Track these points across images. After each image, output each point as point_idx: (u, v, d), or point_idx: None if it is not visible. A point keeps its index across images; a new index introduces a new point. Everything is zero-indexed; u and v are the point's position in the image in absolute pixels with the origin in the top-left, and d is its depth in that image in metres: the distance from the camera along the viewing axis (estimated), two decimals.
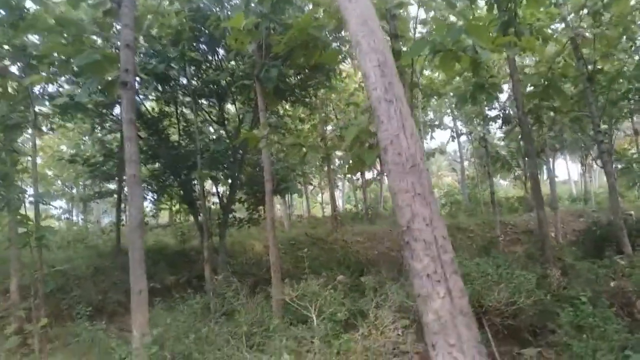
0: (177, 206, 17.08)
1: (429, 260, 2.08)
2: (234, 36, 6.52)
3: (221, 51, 12.46)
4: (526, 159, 29.36)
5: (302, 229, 20.26)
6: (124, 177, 14.01)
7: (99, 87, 4.26)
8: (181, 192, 13.14)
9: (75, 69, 5.30)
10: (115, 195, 15.18)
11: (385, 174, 2.33)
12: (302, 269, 14.61)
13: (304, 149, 7.40)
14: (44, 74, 6.50)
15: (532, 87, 9.85)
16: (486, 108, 14.95)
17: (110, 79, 4.41)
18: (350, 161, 8.47)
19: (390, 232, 19.37)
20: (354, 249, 16.64)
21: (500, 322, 5.55)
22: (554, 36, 10.28)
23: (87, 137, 20.11)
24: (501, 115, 10.52)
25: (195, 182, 13.33)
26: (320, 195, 37.49)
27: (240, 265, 12.96)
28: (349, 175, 34.09)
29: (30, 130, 7.83)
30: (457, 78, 11.54)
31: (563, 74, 9.66)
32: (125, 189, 14.34)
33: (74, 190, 26.84)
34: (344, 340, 4.01)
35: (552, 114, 11.45)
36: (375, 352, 4.09)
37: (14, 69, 8.41)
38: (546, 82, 9.10)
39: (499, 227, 17.54)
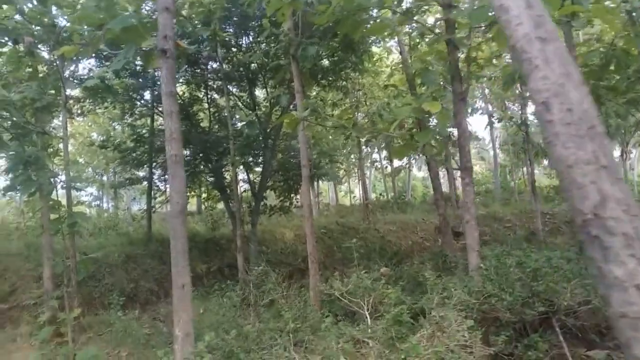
0: (206, 194, 16.93)
1: (636, 263, 1.52)
2: (273, 6, 6.01)
3: (251, 33, 12.03)
4: None
5: (331, 217, 19.81)
6: (154, 163, 14.06)
7: (135, 57, 3.83)
8: (212, 178, 12.82)
9: (105, 46, 4.85)
10: (146, 182, 15.16)
11: (548, 140, 1.71)
12: (335, 259, 14.30)
13: (348, 132, 6.88)
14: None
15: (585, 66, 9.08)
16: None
17: (146, 49, 4.01)
18: (399, 143, 7.98)
19: (423, 221, 18.77)
20: (387, 239, 16.10)
21: (572, 323, 4.98)
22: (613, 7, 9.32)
23: (116, 124, 20.10)
24: None
25: (227, 168, 13.01)
26: (347, 183, 37.01)
27: (274, 254, 12.58)
28: (377, 163, 33.49)
29: (61, 115, 7.53)
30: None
31: (626, 50, 8.82)
32: (161, 173, 14.23)
33: (104, 178, 27.03)
34: (413, 345, 3.53)
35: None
36: (442, 357, 3.60)
37: (44, 52, 8.16)
38: (606, 59, 8.33)
39: (539, 217, 16.66)
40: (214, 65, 12.27)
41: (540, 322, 5.04)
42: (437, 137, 6.29)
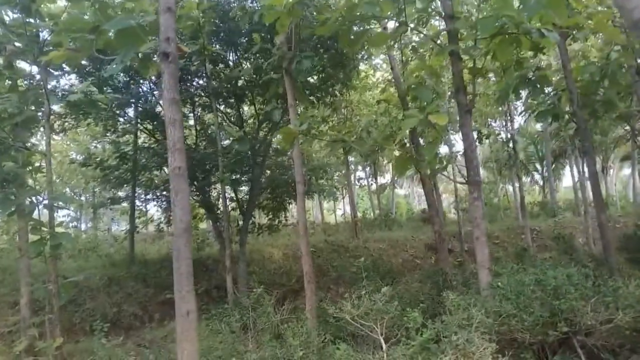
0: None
1: None
2: (271, 16, 5.78)
3: (239, 48, 11.80)
4: (544, 161, 28.33)
5: (318, 235, 19.42)
6: (137, 182, 13.58)
7: (131, 63, 3.52)
8: (198, 196, 12.40)
9: (96, 52, 4.50)
10: (127, 203, 14.62)
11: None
12: (329, 278, 13.89)
13: (347, 146, 6.63)
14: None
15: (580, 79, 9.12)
16: (518, 103, 14.14)
17: (138, 56, 3.70)
18: (395, 159, 7.74)
19: (413, 238, 18.56)
20: (377, 256, 15.79)
21: (593, 343, 4.73)
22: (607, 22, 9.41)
23: (97, 142, 19.53)
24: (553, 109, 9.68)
25: (214, 186, 12.64)
26: (331, 201, 36.66)
27: (265, 275, 12.16)
28: (362, 180, 33.37)
29: (43, 130, 7.11)
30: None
31: (620, 65, 8.87)
32: (141, 193, 13.73)
33: (82, 198, 26.17)
34: None
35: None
36: None
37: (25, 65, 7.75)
38: (601, 74, 8.37)
39: (529, 233, 16.63)
40: (200, 82, 11.99)
41: (559, 343, 4.79)
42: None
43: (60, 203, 6.17)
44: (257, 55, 10.12)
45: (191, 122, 13.31)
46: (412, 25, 6.30)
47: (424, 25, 6.77)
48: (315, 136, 6.91)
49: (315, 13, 8.15)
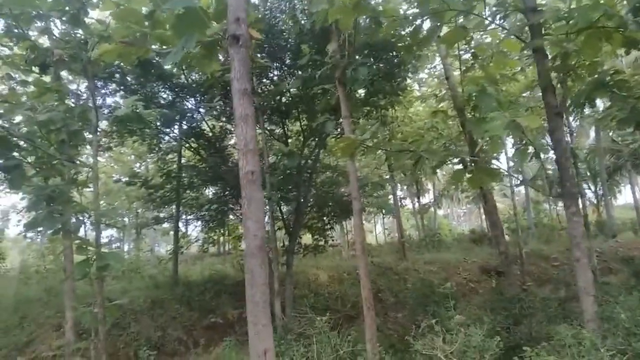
0: (226, 233, 15.84)
1: None
2: (333, 14, 5.26)
3: (286, 62, 11.43)
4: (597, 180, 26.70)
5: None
6: (182, 201, 13.29)
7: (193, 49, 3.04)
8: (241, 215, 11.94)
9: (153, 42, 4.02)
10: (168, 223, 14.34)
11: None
12: (386, 304, 13.03)
13: (416, 156, 5.94)
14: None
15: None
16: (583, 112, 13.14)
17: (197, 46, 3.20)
18: (453, 172, 7.01)
19: (465, 260, 17.48)
20: (429, 280, 14.83)
21: None
22: None
23: (141, 163, 19.59)
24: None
25: None
26: (371, 221, 35.73)
27: (317, 299, 11.45)
28: (403, 200, 32.35)
29: (91, 145, 6.81)
30: None
31: None
32: (183, 212, 13.42)
33: (125, 219, 26.37)
34: None
35: None
36: None
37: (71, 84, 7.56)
38: None
39: (594, 254, 15.29)
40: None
41: None
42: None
43: (108, 220, 5.79)
44: (307, 66, 9.68)
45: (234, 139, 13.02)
46: (489, 19, 5.68)
47: (502, 20, 6.12)
48: (377, 146, 6.26)
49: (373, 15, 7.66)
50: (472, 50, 9.36)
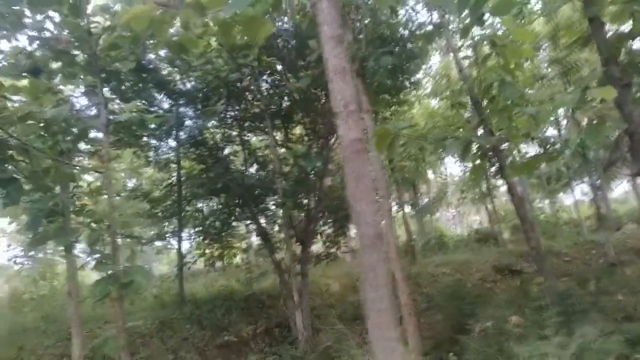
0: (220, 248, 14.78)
1: None
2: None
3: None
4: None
5: None
6: (184, 214, 12.55)
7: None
8: (254, 225, 11.29)
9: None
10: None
11: None
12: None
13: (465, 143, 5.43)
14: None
15: None
16: None
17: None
18: (472, 168, 6.54)
19: (477, 260, 16.96)
20: (444, 282, 14.26)
21: None
22: None
23: (135, 179, 18.77)
24: None
25: (270, 212, 11.58)
26: None
27: (344, 308, 10.75)
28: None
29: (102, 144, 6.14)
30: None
31: None
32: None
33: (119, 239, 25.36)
34: None
35: None
36: None
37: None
38: None
39: (611, 248, 14.90)
40: (249, 98, 11.07)
41: None
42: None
43: (127, 232, 5.13)
44: (316, 62, 9.15)
45: (237, 145, 12.39)
46: None
47: None
48: (416, 137, 5.73)
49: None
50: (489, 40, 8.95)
